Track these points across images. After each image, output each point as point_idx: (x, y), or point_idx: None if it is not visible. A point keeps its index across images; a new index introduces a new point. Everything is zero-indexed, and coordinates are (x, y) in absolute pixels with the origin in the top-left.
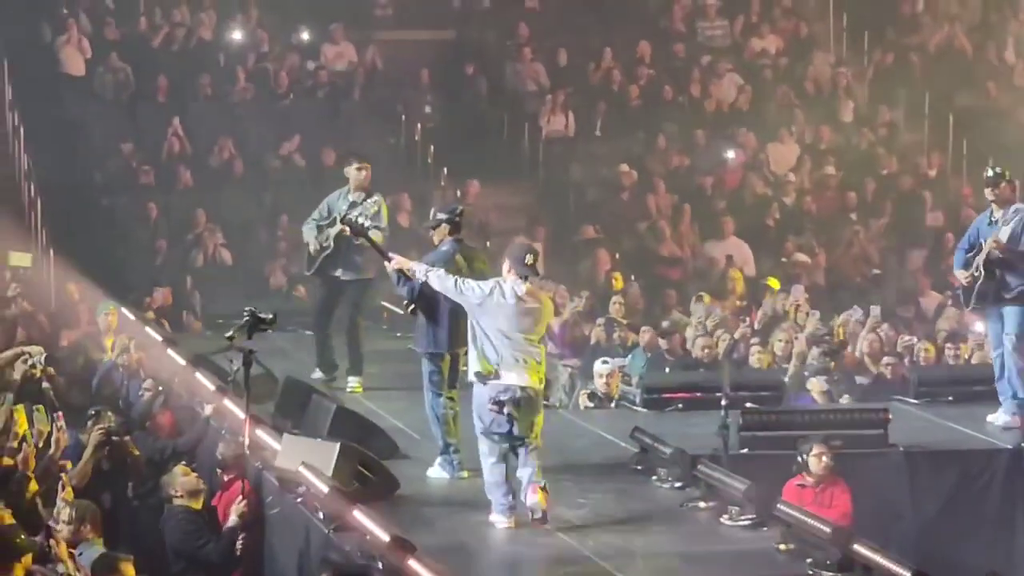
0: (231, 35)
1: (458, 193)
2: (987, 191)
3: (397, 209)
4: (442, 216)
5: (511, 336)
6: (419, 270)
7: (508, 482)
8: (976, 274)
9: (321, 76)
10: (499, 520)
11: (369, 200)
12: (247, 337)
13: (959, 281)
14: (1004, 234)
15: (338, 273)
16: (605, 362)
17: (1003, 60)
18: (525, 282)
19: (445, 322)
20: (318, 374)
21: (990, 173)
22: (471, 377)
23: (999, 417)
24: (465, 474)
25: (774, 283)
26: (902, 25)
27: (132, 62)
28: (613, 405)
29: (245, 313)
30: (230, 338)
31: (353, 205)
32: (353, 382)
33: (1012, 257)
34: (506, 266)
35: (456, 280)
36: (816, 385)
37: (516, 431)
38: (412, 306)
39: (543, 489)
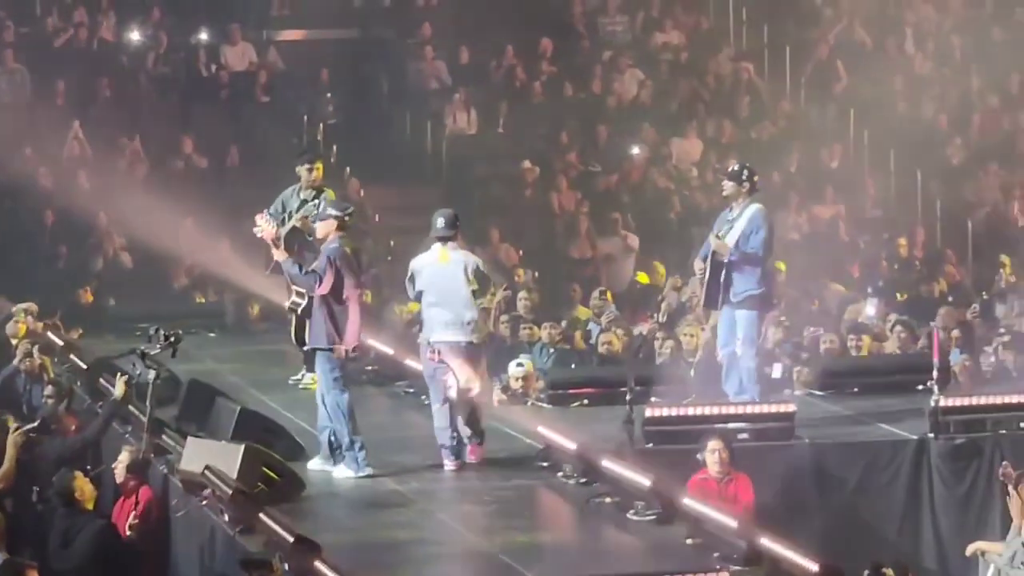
0: (131, 36)
1: (361, 192)
2: (728, 185)
3: None
4: (334, 212)
5: (437, 297)
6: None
7: (452, 424)
8: (703, 273)
9: (222, 77)
10: (447, 463)
11: (320, 197)
12: (172, 356)
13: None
14: (732, 237)
15: None
16: (520, 364)
17: (903, 52)
18: (443, 245)
19: (344, 316)
20: (306, 377)
21: (735, 168)
22: (420, 340)
23: None
24: (370, 470)
25: (643, 278)
26: (802, 18)
27: (30, 64)
28: (529, 403)
29: (165, 334)
30: (143, 355)
31: (304, 203)
32: (307, 378)
33: (739, 259)
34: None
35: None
36: None
37: (458, 381)
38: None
39: (479, 445)
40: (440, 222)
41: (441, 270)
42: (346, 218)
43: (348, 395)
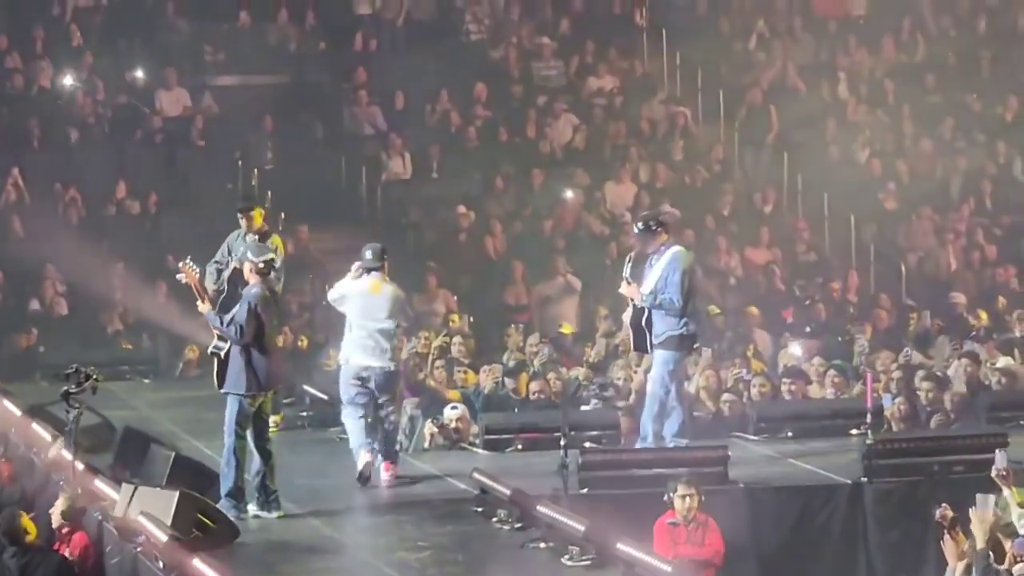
0: (65, 81)
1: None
2: (650, 235)
3: None
4: (252, 259)
5: (364, 325)
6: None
7: (364, 431)
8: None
9: (157, 122)
10: (363, 459)
11: (267, 242)
12: (92, 393)
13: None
14: (651, 280)
15: None
16: (455, 407)
17: (836, 96)
18: (369, 275)
19: (263, 363)
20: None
21: (652, 218)
22: (340, 360)
23: None
24: (254, 511)
25: (567, 328)
26: (736, 63)
27: None
28: (463, 446)
29: (91, 373)
30: (67, 394)
31: (249, 247)
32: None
33: (657, 302)
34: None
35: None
36: None
37: (378, 400)
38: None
39: (393, 463)
40: (368, 254)
41: (371, 299)
42: (261, 266)
43: (246, 442)
